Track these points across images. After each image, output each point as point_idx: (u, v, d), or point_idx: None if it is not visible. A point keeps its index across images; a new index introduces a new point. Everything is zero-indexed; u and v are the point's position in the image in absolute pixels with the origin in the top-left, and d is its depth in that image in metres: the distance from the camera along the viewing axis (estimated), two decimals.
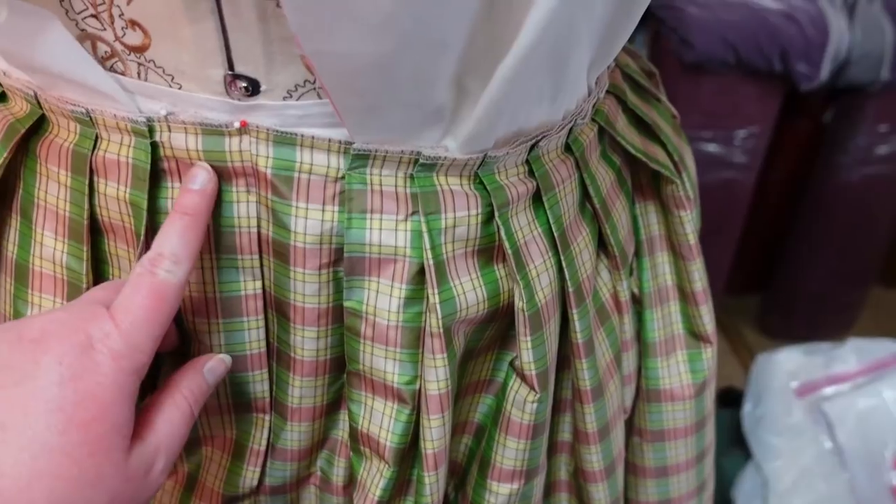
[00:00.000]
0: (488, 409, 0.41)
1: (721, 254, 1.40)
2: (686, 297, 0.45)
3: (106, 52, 0.30)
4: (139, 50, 0.29)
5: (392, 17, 0.25)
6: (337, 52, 0.26)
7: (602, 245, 0.41)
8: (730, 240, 1.39)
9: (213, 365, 0.33)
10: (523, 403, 0.37)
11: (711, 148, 1.28)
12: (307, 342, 0.35)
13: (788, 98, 1.29)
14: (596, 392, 0.40)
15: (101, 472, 0.27)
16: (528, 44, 0.27)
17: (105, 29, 0.29)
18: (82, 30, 0.29)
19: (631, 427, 0.48)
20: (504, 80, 0.28)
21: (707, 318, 0.44)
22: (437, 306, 0.33)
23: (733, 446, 1.07)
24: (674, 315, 0.45)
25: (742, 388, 1.11)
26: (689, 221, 0.42)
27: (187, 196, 0.30)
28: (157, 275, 0.29)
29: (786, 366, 1.05)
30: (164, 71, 0.30)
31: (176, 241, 0.29)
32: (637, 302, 0.45)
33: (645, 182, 0.44)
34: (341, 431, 0.39)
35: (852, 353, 1.07)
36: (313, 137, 0.31)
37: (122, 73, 0.30)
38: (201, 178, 0.31)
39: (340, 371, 0.37)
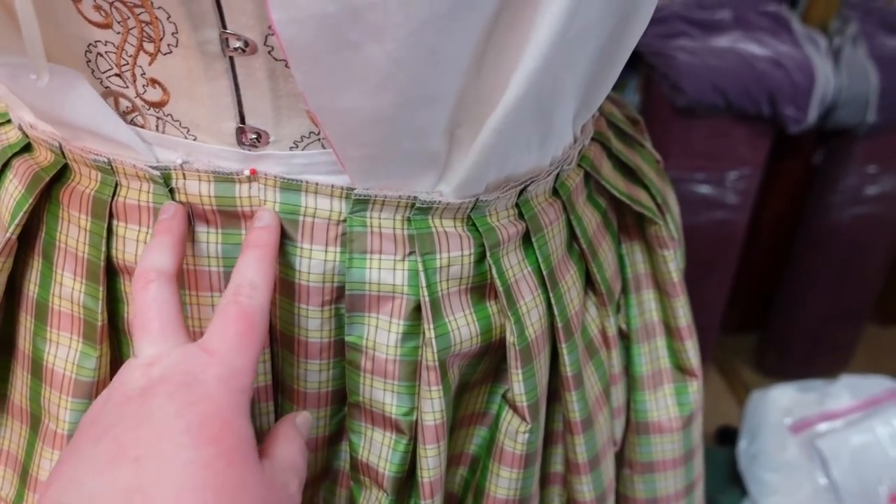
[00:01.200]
0: (482, 440, 0.42)
1: (716, 293, 1.42)
2: (672, 332, 0.47)
3: (127, 107, 0.33)
4: (158, 105, 0.32)
5: (389, 77, 0.27)
6: (340, 107, 0.28)
7: (590, 283, 0.43)
8: (725, 279, 1.41)
9: (301, 420, 0.34)
10: (515, 434, 0.39)
11: (704, 189, 1.31)
12: (310, 374, 0.37)
13: (779, 140, 1.32)
14: (586, 423, 0.42)
15: (244, 479, 0.27)
16: (515, 98, 0.29)
17: (127, 87, 0.32)
18: (106, 87, 0.32)
19: (621, 459, 0.50)
20: (493, 130, 0.31)
21: (692, 352, 0.46)
22: (433, 341, 0.35)
23: (730, 484, 1.08)
24: (660, 350, 0.47)
25: (738, 426, 1.13)
26: (673, 260, 0.44)
27: (255, 233, 0.32)
28: (240, 302, 0.30)
29: (780, 402, 1.06)
30: (180, 124, 0.32)
31: (251, 270, 0.31)
32: (625, 337, 0.47)
33: (630, 223, 0.46)
34: (343, 462, 0.41)
35: (845, 390, 1.08)
36: (317, 184, 0.33)
37: (142, 126, 0.33)
38: (266, 218, 0.33)
39: (342, 403, 0.38)
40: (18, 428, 0.40)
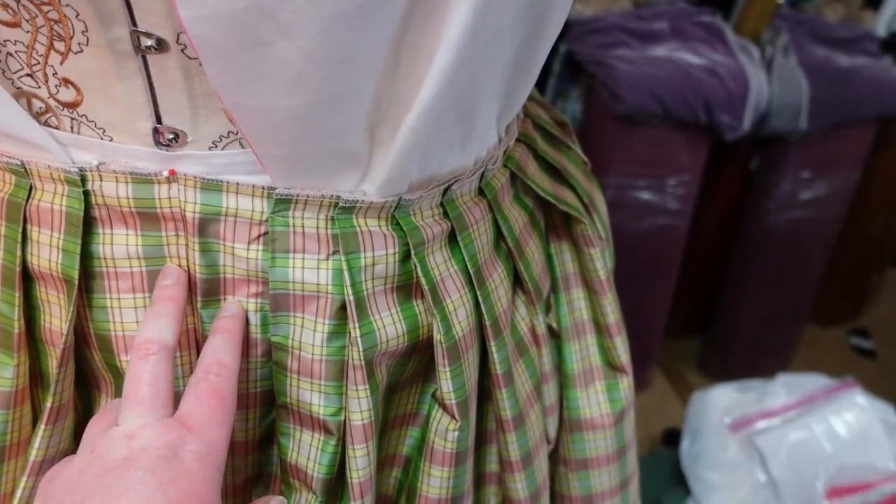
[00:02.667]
0: (414, 440, 0.42)
1: (660, 297, 1.45)
2: (601, 329, 0.47)
3: (40, 107, 0.32)
4: (72, 106, 0.31)
5: (303, 75, 0.28)
6: (255, 105, 0.29)
7: (518, 282, 0.43)
8: (668, 283, 1.44)
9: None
10: (445, 432, 0.39)
11: (646, 195, 1.33)
12: (239, 374, 0.36)
13: (716, 147, 1.35)
14: (517, 420, 0.42)
15: None
16: (429, 97, 0.30)
17: (40, 87, 0.31)
18: (18, 88, 0.32)
19: (556, 458, 0.50)
20: (410, 129, 0.31)
21: (622, 349, 0.47)
22: (358, 339, 0.35)
23: (675, 484, 1.10)
24: (591, 347, 0.48)
25: (681, 427, 1.15)
26: (600, 258, 0.45)
27: (223, 321, 0.34)
28: (210, 380, 0.32)
29: (720, 402, 1.08)
30: (95, 125, 0.32)
31: (220, 351, 0.33)
32: (555, 336, 0.47)
33: (558, 223, 0.47)
34: (274, 466, 0.40)
35: (782, 389, 1.11)
36: (238, 184, 0.33)
37: (56, 127, 0.32)
38: (232, 308, 0.35)
39: (270, 406, 0.38)
40: None
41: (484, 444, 0.45)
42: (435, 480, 0.40)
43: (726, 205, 1.50)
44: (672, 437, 1.30)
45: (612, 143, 1.28)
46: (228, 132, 0.32)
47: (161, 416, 0.31)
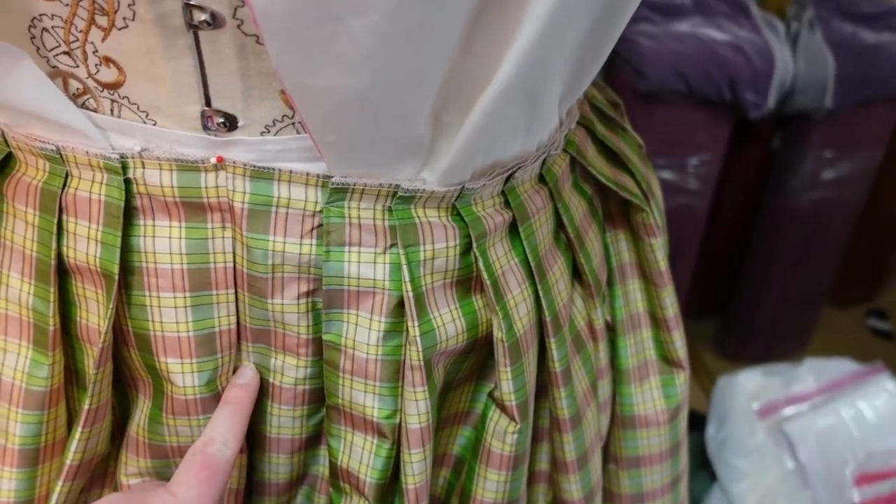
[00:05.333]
0: (467, 441, 0.40)
1: (678, 278, 1.42)
2: (658, 323, 0.45)
3: (78, 88, 0.29)
4: (113, 87, 0.29)
5: (373, 55, 0.25)
6: (318, 87, 0.26)
7: (576, 274, 0.41)
8: (687, 264, 1.42)
9: None
10: (503, 434, 0.37)
11: (666, 175, 1.31)
12: (287, 369, 0.34)
13: (738, 126, 1.32)
14: (574, 421, 0.40)
15: None
16: (507, 77, 0.27)
17: (78, 66, 0.29)
18: (54, 67, 0.29)
19: (607, 454, 0.48)
20: (483, 112, 0.28)
21: (679, 343, 0.45)
22: (418, 339, 0.32)
23: (699, 469, 1.08)
24: (646, 341, 0.46)
25: (701, 410, 1.13)
26: (660, 248, 0.43)
27: (234, 390, 0.34)
28: (208, 453, 0.32)
29: (747, 387, 1.06)
30: (138, 107, 0.29)
31: (225, 426, 0.33)
32: (610, 329, 0.45)
33: (615, 210, 0.44)
34: (321, 467, 0.38)
35: (810, 374, 1.09)
36: (291, 172, 0.31)
37: (95, 110, 0.30)
38: (247, 375, 0.34)
39: (319, 404, 0.36)
40: None
41: (536, 442, 0.43)
42: (491, 484, 0.38)
43: (747, 185, 1.47)
44: (693, 421, 1.28)
45: (632, 121, 1.23)
46: (283, 116, 0.29)
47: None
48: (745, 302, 1.56)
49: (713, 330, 1.64)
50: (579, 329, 0.41)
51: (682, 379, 0.46)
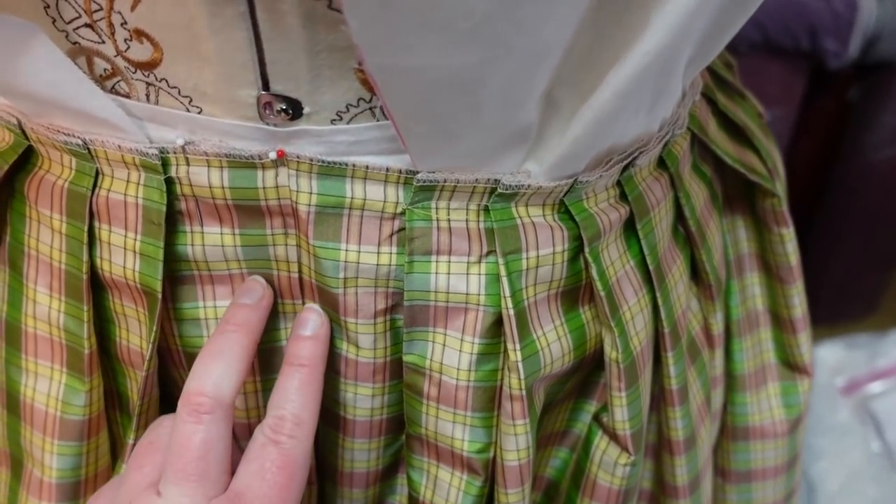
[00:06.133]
0: (562, 463, 0.35)
1: None
2: (782, 323, 0.39)
3: (106, 69, 0.24)
4: (148, 67, 0.23)
5: (487, 21, 0.19)
6: (411, 66, 0.20)
7: (694, 272, 0.35)
8: None
9: None
10: (613, 466, 0.31)
11: None
12: (360, 400, 0.29)
13: (814, 77, 1.23)
14: (689, 443, 0.34)
15: None
16: (655, 48, 0.21)
17: (104, 41, 0.23)
18: (75, 43, 0.23)
19: (713, 467, 0.42)
20: (616, 94, 0.22)
21: (805, 346, 0.39)
22: (520, 365, 0.27)
23: None
24: (765, 343, 0.40)
25: None
26: (792, 240, 0.36)
27: (299, 344, 0.27)
28: (281, 443, 0.25)
29: (828, 362, 0.99)
30: (179, 92, 0.24)
31: (294, 400, 0.26)
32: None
33: (733, 193, 0.38)
34: (398, 496, 0.33)
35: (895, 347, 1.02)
36: (367, 167, 0.25)
37: (127, 96, 0.24)
38: (312, 323, 0.27)
39: (399, 432, 0.31)
40: None
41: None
42: None
43: (821, 140, 1.38)
44: None
45: None
46: (358, 100, 0.23)
47: (211, 495, 0.24)
48: (813, 264, 1.48)
49: None
50: (694, 335, 0.35)
51: (805, 386, 0.40)
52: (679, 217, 0.32)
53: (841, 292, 1.51)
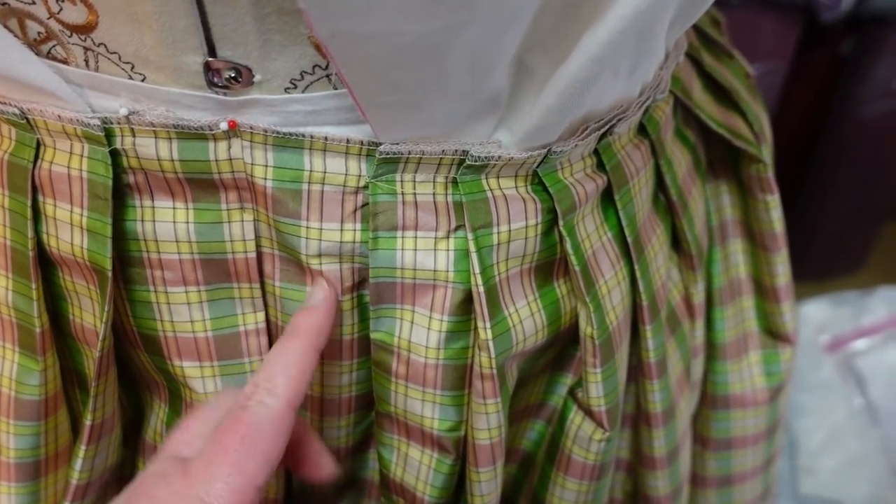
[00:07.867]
0: (538, 436, 0.34)
1: None
2: (765, 291, 0.38)
3: (39, 33, 0.22)
4: (83, 30, 0.21)
5: None
6: (369, 32, 0.18)
7: (675, 240, 0.33)
8: None
9: None
10: (588, 442, 0.31)
11: None
12: (328, 378, 0.28)
13: (807, 30, 1.21)
14: (667, 415, 0.33)
15: None
16: (633, 12, 0.19)
17: (34, 2, 0.21)
18: (3, 3, 0.22)
19: (692, 434, 0.42)
20: (591, 59, 0.20)
21: (788, 315, 0.38)
22: (490, 343, 0.26)
23: None
24: (747, 311, 0.39)
25: None
26: (777, 207, 0.35)
27: (296, 316, 0.25)
28: (248, 408, 0.23)
29: (814, 319, 0.99)
30: (119, 58, 0.22)
31: (275, 368, 0.24)
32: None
33: (717, 157, 0.36)
34: (371, 471, 0.33)
35: (882, 304, 1.02)
36: (326, 138, 0.23)
37: (65, 62, 0.23)
38: (313, 296, 0.26)
39: (368, 409, 0.30)
40: None
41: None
42: (570, 494, 0.32)
43: (813, 94, 1.36)
44: None
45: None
46: (314, 67, 0.22)
47: None
48: (803, 218, 1.47)
49: None
50: (674, 306, 0.34)
51: (787, 355, 0.39)
52: (660, 185, 0.31)
53: (830, 247, 1.50)
